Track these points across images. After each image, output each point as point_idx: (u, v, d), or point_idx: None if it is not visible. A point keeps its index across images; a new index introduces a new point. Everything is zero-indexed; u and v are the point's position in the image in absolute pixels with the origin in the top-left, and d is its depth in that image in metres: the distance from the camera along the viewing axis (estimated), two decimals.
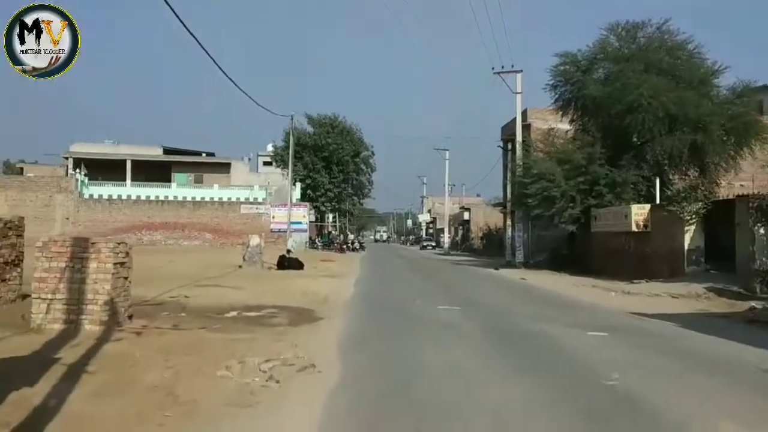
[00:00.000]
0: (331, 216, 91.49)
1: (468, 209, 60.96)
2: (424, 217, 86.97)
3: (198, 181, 57.41)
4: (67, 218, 49.71)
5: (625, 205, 24.23)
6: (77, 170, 51.66)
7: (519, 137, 30.19)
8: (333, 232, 63.71)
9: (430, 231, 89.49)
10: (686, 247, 20.60)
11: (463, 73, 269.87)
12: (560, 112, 30.10)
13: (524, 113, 39.26)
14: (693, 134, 25.07)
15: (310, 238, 58.24)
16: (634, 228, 22.63)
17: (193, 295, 15.03)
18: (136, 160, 55.41)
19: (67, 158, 53.98)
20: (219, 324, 11.07)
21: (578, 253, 28.96)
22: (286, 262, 26.07)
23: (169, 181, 56.77)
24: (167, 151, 61.39)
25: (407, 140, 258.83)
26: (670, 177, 26.92)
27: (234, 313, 12.53)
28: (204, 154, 62.60)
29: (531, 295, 17.22)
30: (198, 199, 53.49)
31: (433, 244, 69.19)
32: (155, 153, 59.34)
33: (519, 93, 29.88)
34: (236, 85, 19.80)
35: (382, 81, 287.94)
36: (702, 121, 24.92)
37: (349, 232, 69.32)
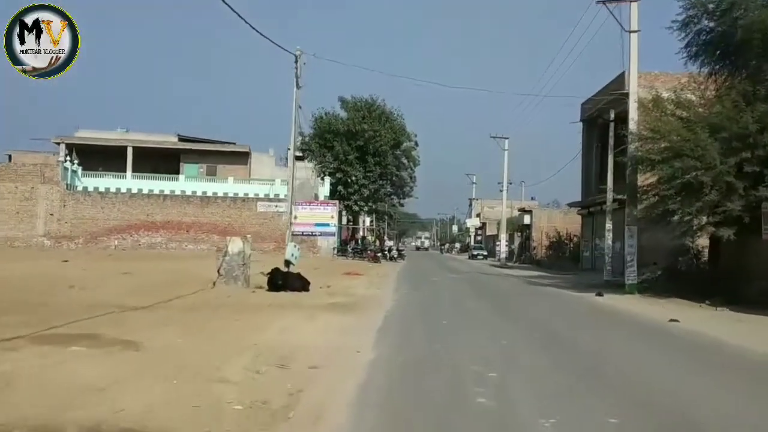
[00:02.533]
0: (368, 219, 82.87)
1: (529, 212, 50.93)
2: (472, 222, 76.69)
3: (211, 173, 49.08)
4: (52, 214, 41.83)
5: None
6: (67, 157, 43.81)
7: (634, 90, 20.35)
8: (368, 237, 54.48)
9: (479, 238, 79.57)
10: None
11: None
12: (689, 65, 20.35)
13: (620, 79, 29.54)
14: None
15: (343, 243, 49.26)
16: None
17: None
18: (139, 147, 47.29)
19: (58, 144, 46.19)
20: None
21: (723, 271, 19.20)
22: (280, 280, 17.01)
23: (179, 172, 48.62)
24: (182, 140, 53.32)
25: (451, 131, 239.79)
26: None
27: None
28: (224, 144, 54.23)
29: None
30: (210, 193, 45.09)
31: (485, 253, 59.38)
32: (168, 141, 51.22)
33: (636, 31, 20.11)
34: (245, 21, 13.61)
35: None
36: None
37: (387, 238, 60.03)
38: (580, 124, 36.93)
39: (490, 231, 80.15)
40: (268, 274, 17.55)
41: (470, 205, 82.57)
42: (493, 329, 11.32)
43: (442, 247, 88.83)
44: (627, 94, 29.91)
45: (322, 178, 48.58)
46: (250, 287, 17.53)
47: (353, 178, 49.13)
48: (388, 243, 51.60)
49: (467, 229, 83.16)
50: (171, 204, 43.17)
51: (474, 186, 76.17)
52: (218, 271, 17.53)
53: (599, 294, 19.50)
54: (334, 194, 48.56)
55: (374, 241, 48.18)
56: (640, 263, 24.87)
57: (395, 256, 45.57)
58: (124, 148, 46.75)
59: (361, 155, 48.99)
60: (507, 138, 47.46)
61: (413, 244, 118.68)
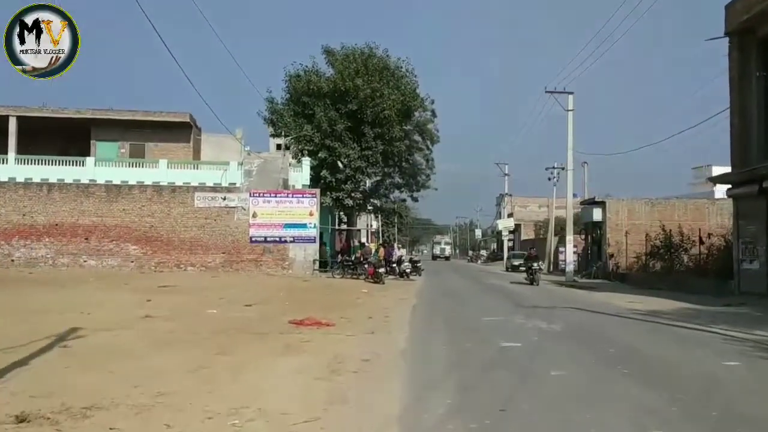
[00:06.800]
0: (374, 223, 67.02)
1: (601, 203, 34.95)
2: (505, 224, 60.37)
3: (137, 155, 33.87)
4: None
5: None
6: None
7: None
8: (370, 244, 38.74)
9: (510, 243, 63.75)
10: None
11: None
12: None
13: None
14: None
15: (337, 254, 33.79)
16: None
17: None
18: (26, 117, 32.31)
19: None
20: None
21: None
22: None
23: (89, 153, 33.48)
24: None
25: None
26: None
27: None
28: (154, 114, 38.97)
29: None
30: (133, 182, 29.72)
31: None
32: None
33: None
34: None
35: None
36: None
37: (397, 245, 44.37)
38: (725, 40, 21.47)
39: (526, 234, 64.59)
40: None
41: (499, 203, 66.78)
42: None
43: (534, 267, 25.54)
44: None
45: (298, 160, 33.35)
46: None
47: (344, 159, 33.73)
48: (398, 253, 35.86)
49: (498, 233, 67.07)
50: (60, 198, 28.03)
51: (506, 178, 60.39)
52: None
53: None
54: (317, 182, 33.36)
55: (377, 250, 32.69)
56: None
57: (408, 270, 30.16)
58: (5, 117, 31.75)
59: (355, 125, 33.55)
60: (572, 93, 31.82)
61: (427, 252, 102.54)
